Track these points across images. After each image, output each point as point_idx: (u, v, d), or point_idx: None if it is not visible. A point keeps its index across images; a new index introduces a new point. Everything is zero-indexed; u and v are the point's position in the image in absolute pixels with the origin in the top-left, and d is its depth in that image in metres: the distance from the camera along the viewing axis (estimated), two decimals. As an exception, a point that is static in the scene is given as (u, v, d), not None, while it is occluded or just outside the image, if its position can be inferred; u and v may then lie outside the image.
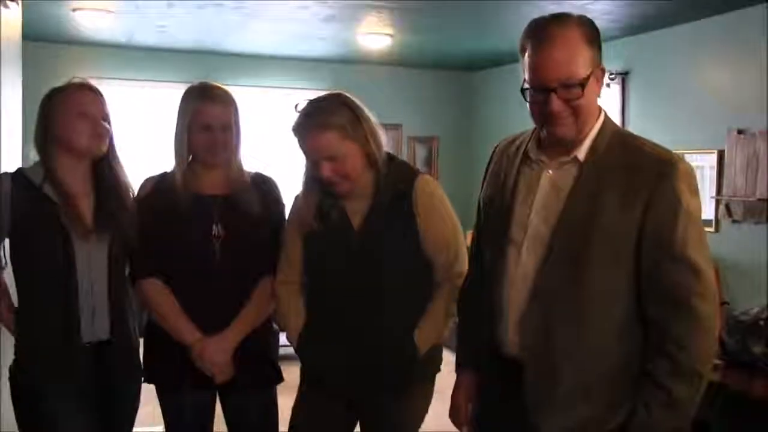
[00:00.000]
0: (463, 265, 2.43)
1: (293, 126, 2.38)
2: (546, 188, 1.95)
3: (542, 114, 1.90)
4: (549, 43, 1.85)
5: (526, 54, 1.89)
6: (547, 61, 1.85)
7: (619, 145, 1.92)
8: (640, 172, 1.85)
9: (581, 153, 1.92)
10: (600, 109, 1.96)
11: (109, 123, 2.51)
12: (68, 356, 2.42)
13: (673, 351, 1.83)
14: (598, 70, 1.90)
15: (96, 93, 2.51)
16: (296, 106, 2.40)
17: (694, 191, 1.87)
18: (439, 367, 2.56)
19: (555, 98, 1.85)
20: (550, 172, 1.96)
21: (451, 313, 2.45)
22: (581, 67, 1.85)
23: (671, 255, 1.82)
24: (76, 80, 2.55)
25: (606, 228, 1.85)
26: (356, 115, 2.36)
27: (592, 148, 1.91)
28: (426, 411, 2.55)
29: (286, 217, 2.62)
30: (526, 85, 1.90)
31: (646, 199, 1.82)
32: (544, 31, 1.87)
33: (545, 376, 1.92)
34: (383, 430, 2.53)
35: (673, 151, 1.90)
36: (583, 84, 1.84)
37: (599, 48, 1.91)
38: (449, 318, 2.47)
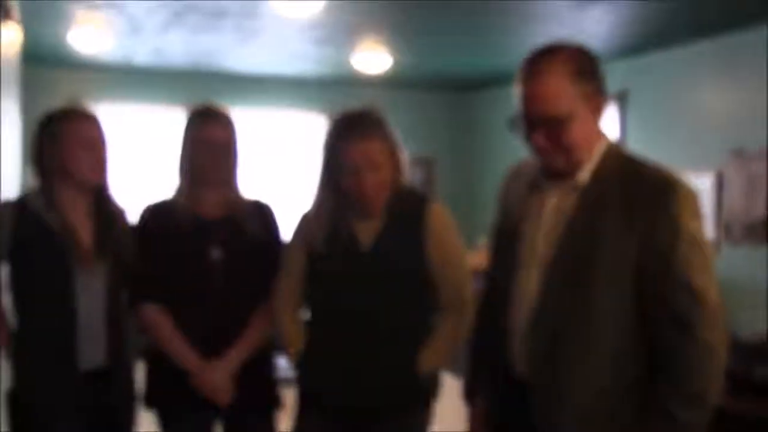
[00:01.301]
0: (469, 291, 2.43)
1: (333, 134, 2.36)
2: (550, 213, 1.95)
3: (532, 148, 1.92)
4: (533, 79, 1.86)
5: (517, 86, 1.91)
6: (530, 97, 1.87)
7: (621, 169, 1.90)
8: (640, 197, 1.83)
9: (582, 178, 1.91)
10: (602, 133, 1.95)
11: (107, 152, 2.52)
12: (66, 384, 2.42)
13: (678, 379, 1.81)
14: (593, 102, 1.89)
15: (96, 122, 2.52)
16: (330, 117, 2.40)
17: (696, 215, 1.84)
18: (439, 392, 2.53)
19: (537, 134, 1.87)
20: (554, 198, 1.95)
21: (457, 339, 2.44)
22: (564, 103, 1.84)
23: (673, 281, 1.80)
24: (73, 106, 2.56)
25: (607, 253, 1.83)
26: (392, 132, 2.39)
27: (595, 173, 1.91)
28: None
29: (288, 238, 2.59)
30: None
31: (646, 223, 1.81)
32: (530, 65, 1.88)
33: (550, 398, 1.90)
34: None
35: (675, 174, 1.88)
36: (562, 121, 1.84)
37: (596, 79, 1.89)
38: (454, 344, 2.45)
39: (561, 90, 1.84)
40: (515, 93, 1.91)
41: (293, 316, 2.52)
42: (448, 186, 8.55)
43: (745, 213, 5.25)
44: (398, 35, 5.93)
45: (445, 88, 8.42)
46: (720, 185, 5.46)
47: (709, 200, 5.53)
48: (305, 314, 2.54)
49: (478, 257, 6.65)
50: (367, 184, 2.30)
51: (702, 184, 5.54)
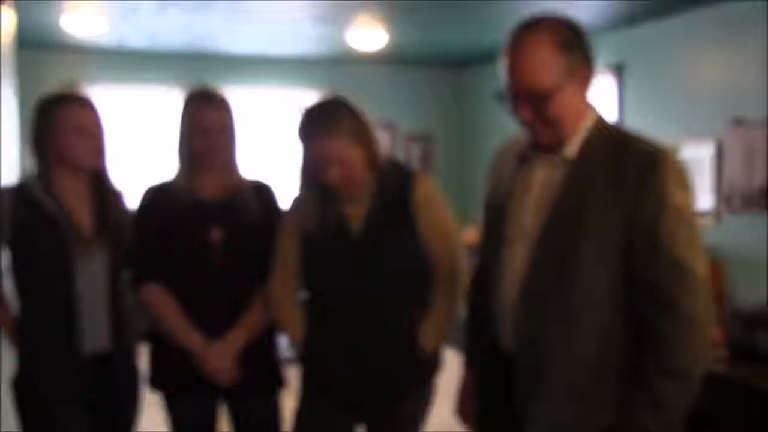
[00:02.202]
0: (463, 264, 2.44)
1: (299, 131, 2.36)
2: (538, 187, 1.95)
3: (518, 119, 1.91)
4: (517, 52, 1.85)
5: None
6: (515, 70, 1.85)
7: (609, 142, 1.89)
8: (627, 169, 1.82)
9: (571, 152, 1.90)
10: (590, 107, 1.94)
11: (104, 137, 2.53)
12: (70, 366, 2.45)
13: (662, 351, 1.81)
14: (579, 74, 1.87)
15: (91, 106, 2.52)
16: (300, 109, 2.39)
17: (684, 186, 1.83)
18: (440, 367, 2.54)
19: (521, 106, 1.87)
20: (542, 171, 1.95)
21: (454, 313, 2.45)
22: (548, 76, 1.82)
23: (659, 254, 1.79)
24: (68, 91, 2.57)
25: (593, 226, 1.83)
26: (360, 120, 2.35)
27: (582, 147, 1.89)
28: (429, 411, 2.54)
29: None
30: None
31: (632, 196, 1.80)
32: (513, 38, 1.87)
33: (534, 372, 1.91)
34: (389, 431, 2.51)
35: (664, 146, 1.87)
36: (547, 94, 1.83)
37: (581, 51, 1.87)
38: (452, 318, 2.47)
39: (545, 63, 1.83)
40: (501, 66, 1.90)
41: (291, 299, 2.53)
42: (445, 162, 8.55)
43: (745, 182, 5.24)
44: (394, 12, 5.89)
45: (441, 65, 8.39)
46: (720, 155, 5.45)
47: (709, 170, 5.52)
48: (303, 295, 2.55)
49: (474, 232, 6.67)
50: (333, 178, 2.32)
51: (702, 153, 5.53)
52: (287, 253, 2.50)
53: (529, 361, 1.92)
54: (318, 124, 2.33)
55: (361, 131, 2.35)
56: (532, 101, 1.85)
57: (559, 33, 1.85)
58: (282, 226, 2.54)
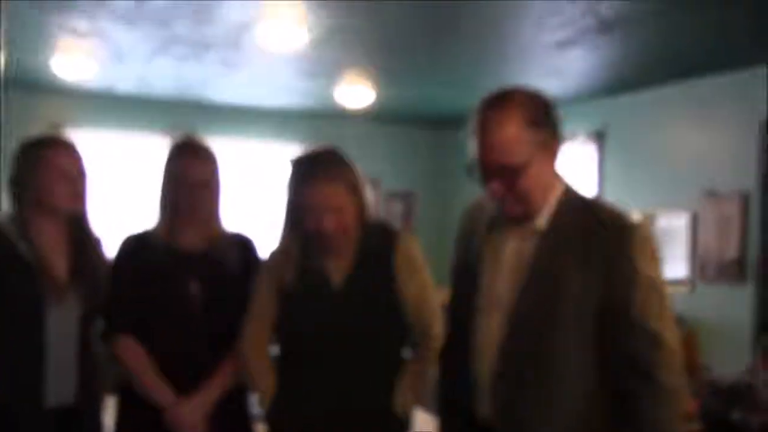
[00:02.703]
0: (439, 326, 2.41)
1: (294, 177, 2.33)
2: (510, 257, 1.96)
3: (489, 193, 1.93)
4: (484, 129, 1.87)
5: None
6: (485, 146, 1.87)
7: (579, 213, 1.91)
8: (597, 241, 1.84)
9: (540, 223, 1.92)
10: (557, 176, 1.96)
11: (85, 182, 2.49)
12: (33, 419, 2.35)
13: (639, 423, 1.82)
14: (548, 147, 1.89)
15: (74, 150, 2.48)
16: (291, 159, 2.38)
17: (653, 257, 1.86)
18: (411, 429, 2.50)
19: (491, 181, 1.88)
20: (513, 242, 1.96)
21: (428, 374, 2.42)
22: (518, 153, 1.85)
23: (632, 326, 1.81)
24: (51, 134, 2.53)
25: (568, 298, 1.84)
26: (355, 172, 2.36)
27: (552, 218, 1.91)
28: None
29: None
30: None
31: (603, 268, 1.82)
32: (482, 114, 1.89)
33: None
34: None
35: (633, 217, 1.90)
36: (517, 170, 1.85)
37: (550, 124, 1.90)
38: (426, 379, 2.44)
39: (515, 139, 1.84)
40: (469, 141, 1.91)
41: (262, 355, 2.47)
42: (426, 220, 8.57)
43: (719, 253, 5.31)
44: (381, 71, 5.98)
45: (426, 124, 8.48)
46: (694, 225, 5.53)
47: (684, 240, 5.59)
48: (274, 352, 2.50)
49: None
50: (329, 227, 2.28)
51: (677, 223, 5.61)
52: (263, 306, 2.44)
53: (510, 429, 1.91)
54: (319, 170, 2.30)
55: (356, 184, 2.34)
56: (502, 176, 1.86)
57: (528, 108, 1.87)
58: (259, 276, 2.48)
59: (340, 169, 2.32)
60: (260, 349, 2.46)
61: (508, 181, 1.86)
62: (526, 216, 1.92)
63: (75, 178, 2.44)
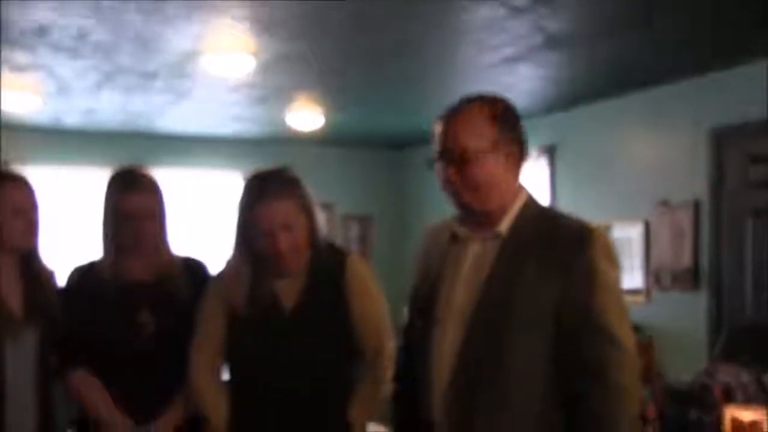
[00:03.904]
0: (390, 344, 2.43)
1: (245, 196, 2.33)
2: (470, 264, 1.98)
3: (443, 184, 1.98)
4: (448, 118, 1.96)
5: None
6: (444, 133, 1.95)
7: (540, 220, 1.95)
8: (557, 245, 1.87)
9: (503, 227, 1.95)
10: (521, 187, 2.00)
11: (38, 216, 2.48)
12: None
13: (591, 423, 1.82)
14: (509, 149, 1.94)
15: (27, 186, 2.48)
16: (244, 176, 2.38)
17: (612, 262, 1.88)
18: None
19: (446, 166, 1.93)
20: (474, 246, 1.98)
21: (381, 392, 2.43)
22: (475, 140, 1.90)
23: (589, 327, 1.82)
24: (2, 170, 2.51)
25: (524, 302, 1.85)
26: (306, 191, 2.36)
27: (513, 224, 1.94)
28: None
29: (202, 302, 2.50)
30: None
31: (563, 271, 1.84)
32: (449, 108, 1.97)
33: None
34: None
35: (591, 224, 1.93)
36: (471, 155, 1.89)
37: (513, 129, 1.95)
38: (380, 396, 2.44)
39: (475, 127, 1.91)
40: (435, 131, 1.98)
41: (212, 381, 2.43)
42: (383, 242, 8.58)
43: (673, 261, 5.39)
44: (330, 94, 5.99)
45: (380, 146, 8.51)
46: (648, 235, 5.60)
47: (638, 249, 5.66)
48: (224, 377, 2.48)
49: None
50: (281, 246, 2.27)
51: (631, 234, 5.68)
52: (210, 331, 2.41)
53: None
54: (271, 188, 2.29)
55: (306, 202, 2.35)
56: (457, 163, 1.91)
57: (494, 107, 1.95)
58: (206, 298, 2.45)
59: (291, 187, 2.33)
60: (210, 374, 2.43)
61: (461, 167, 1.91)
62: (486, 219, 1.95)
63: (28, 213, 2.43)
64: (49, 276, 2.55)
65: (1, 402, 2.33)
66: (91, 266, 2.59)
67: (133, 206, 2.49)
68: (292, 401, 2.33)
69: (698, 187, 5.24)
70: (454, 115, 1.95)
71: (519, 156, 1.97)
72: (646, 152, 5.72)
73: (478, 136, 1.90)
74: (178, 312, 2.51)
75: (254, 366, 2.37)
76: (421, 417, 2.02)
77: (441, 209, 2.06)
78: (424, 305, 2.06)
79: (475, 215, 1.98)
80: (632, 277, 5.58)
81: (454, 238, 2.04)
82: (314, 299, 2.36)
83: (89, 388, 2.50)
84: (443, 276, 2.02)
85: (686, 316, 5.27)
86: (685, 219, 5.27)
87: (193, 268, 2.63)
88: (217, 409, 2.40)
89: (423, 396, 2.01)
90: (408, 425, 2.15)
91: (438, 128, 1.97)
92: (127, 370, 2.48)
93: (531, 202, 1.99)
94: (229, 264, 2.41)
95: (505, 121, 1.94)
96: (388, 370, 2.40)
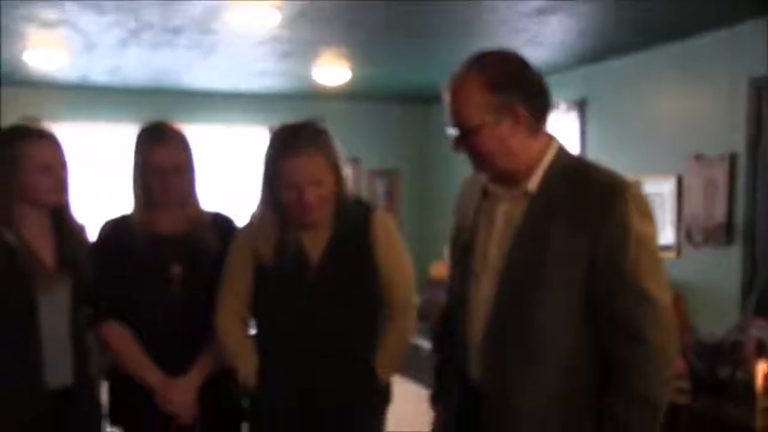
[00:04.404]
0: (413, 294, 2.49)
1: (273, 148, 2.33)
2: (501, 221, 1.97)
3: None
4: (447, 93, 1.94)
5: None
6: (447, 110, 1.93)
7: (570, 174, 1.91)
8: (588, 201, 1.84)
9: (531, 185, 1.92)
10: (550, 140, 1.96)
11: (67, 172, 2.49)
12: (32, 403, 2.38)
13: (627, 380, 1.82)
14: (513, 112, 1.87)
15: (54, 142, 2.49)
16: (271, 129, 2.38)
17: (645, 216, 1.84)
18: (391, 398, 2.55)
19: (454, 142, 1.93)
20: (504, 205, 1.97)
21: (407, 343, 2.50)
22: (473, 113, 1.87)
23: (622, 283, 1.80)
24: (32, 125, 2.52)
25: (555, 259, 1.84)
26: (335, 146, 2.36)
27: (543, 180, 1.92)
28: None
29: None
30: None
31: (594, 227, 1.81)
32: (448, 81, 1.95)
33: (502, 408, 1.91)
34: None
35: (624, 176, 1.89)
36: (471, 131, 1.87)
37: (514, 88, 1.88)
38: (406, 348, 2.50)
39: (472, 99, 1.88)
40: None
41: (238, 332, 2.47)
42: (410, 197, 8.58)
43: (706, 217, 5.31)
44: (356, 48, 5.93)
45: (406, 100, 8.45)
46: (680, 190, 5.52)
47: (670, 205, 5.59)
48: (251, 329, 2.51)
49: (441, 267, 6.64)
50: (307, 199, 2.28)
51: (663, 189, 5.60)
52: (237, 280, 2.44)
53: (498, 397, 1.92)
54: (300, 142, 2.29)
55: (335, 157, 2.35)
56: (463, 138, 1.91)
57: (491, 73, 1.88)
58: (233, 247, 2.47)
59: (319, 141, 2.32)
60: (238, 325, 2.47)
61: (468, 140, 1.90)
62: (512, 179, 1.94)
63: (57, 170, 2.45)
64: (80, 230, 2.59)
65: (37, 354, 2.38)
66: (122, 220, 2.62)
67: (162, 160, 2.51)
68: (318, 352, 2.36)
69: (735, 140, 5.12)
70: (452, 88, 1.92)
71: (533, 112, 1.90)
72: (680, 105, 5.61)
73: (476, 108, 1.87)
74: (207, 266, 2.53)
75: (281, 317, 2.40)
76: (461, 371, 2.04)
77: (467, 164, 2.03)
78: (461, 257, 2.07)
79: (500, 178, 1.96)
80: (664, 233, 5.52)
81: (485, 193, 2.03)
82: (340, 252, 2.38)
83: (121, 341, 2.55)
84: (478, 229, 2.02)
85: (719, 272, 5.21)
86: (720, 173, 5.18)
87: (221, 223, 2.66)
88: (246, 360, 2.44)
89: (460, 348, 2.03)
90: (448, 377, 2.17)
91: (444, 99, 1.95)
92: (158, 323, 2.53)
93: (562, 155, 1.95)
94: (256, 215, 2.43)
95: (505, 85, 1.88)
96: (413, 321, 2.46)
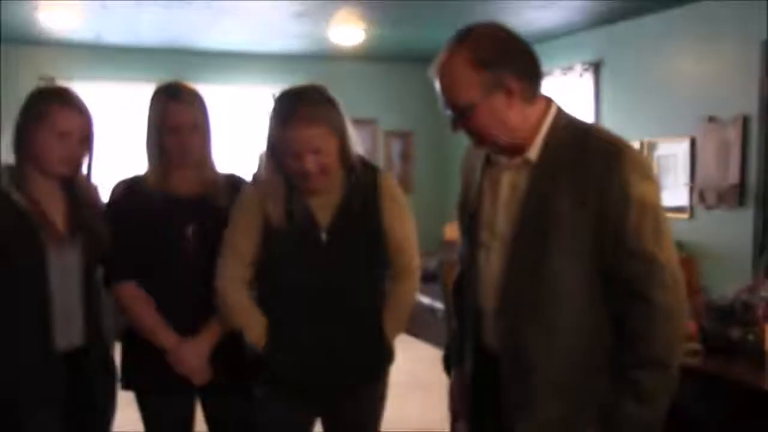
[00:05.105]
0: (417, 256, 2.52)
1: (276, 115, 2.31)
2: (506, 189, 1.97)
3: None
4: (437, 73, 1.92)
5: None
6: (440, 89, 1.92)
7: (570, 140, 1.90)
8: (588, 167, 1.83)
9: (532, 154, 1.91)
10: (547, 105, 1.94)
11: (89, 144, 2.45)
12: (43, 364, 2.37)
13: (637, 344, 1.83)
14: (505, 87, 1.85)
15: (84, 114, 2.43)
16: (274, 95, 2.36)
17: (645, 177, 1.83)
18: (394, 356, 2.57)
19: (451, 123, 1.93)
20: (508, 174, 1.97)
21: (409, 304, 2.54)
22: (463, 94, 1.86)
23: (626, 248, 1.80)
24: (60, 89, 2.47)
25: (563, 227, 1.84)
26: (338, 111, 2.34)
27: (543, 149, 1.91)
28: (385, 400, 2.59)
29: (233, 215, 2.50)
30: None
31: (596, 193, 1.81)
32: (434, 63, 1.93)
33: (517, 374, 1.93)
34: (354, 426, 2.56)
35: (622, 139, 1.88)
36: (463, 110, 1.87)
37: (504, 61, 1.86)
38: (409, 308, 2.54)
39: (460, 80, 1.86)
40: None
41: (244, 296, 2.46)
42: (425, 157, 8.56)
43: (719, 179, 5.30)
44: (372, 8, 5.89)
45: (420, 62, 8.36)
46: (693, 152, 5.51)
47: (683, 167, 5.58)
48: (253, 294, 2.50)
49: (455, 229, 6.67)
50: (308, 166, 2.28)
51: (676, 150, 5.59)
52: (243, 243, 2.42)
53: (513, 362, 1.93)
54: (301, 110, 2.28)
55: (339, 123, 2.33)
56: (458, 117, 1.90)
57: (478, 50, 1.85)
58: (239, 206, 2.45)
59: (321, 108, 2.30)
60: (239, 286, 2.45)
61: (463, 120, 1.90)
62: (513, 149, 1.93)
63: (73, 141, 2.39)
64: (93, 190, 2.56)
65: (47, 316, 2.36)
66: (136, 180, 2.60)
67: (178, 118, 2.49)
68: (328, 311, 2.38)
69: (748, 102, 5.10)
70: (440, 68, 1.90)
71: (525, 83, 1.88)
72: (694, 68, 5.58)
73: (466, 88, 1.85)
74: (221, 226, 2.50)
75: (291, 278, 2.40)
76: (476, 336, 2.06)
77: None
78: (468, 228, 2.08)
79: (501, 151, 1.96)
80: (676, 195, 5.52)
81: (488, 159, 2.03)
82: (349, 215, 2.39)
83: (136, 302, 2.54)
84: (483, 199, 2.02)
85: (731, 234, 5.21)
86: (733, 135, 5.16)
87: (237, 185, 2.61)
88: (253, 322, 2.43)
89: (473, 319, 2.05)
90: (459, 346, 2.19)
91: (434, 82, 1.94)
92: (172, 283, 2.53)
93: (560, 119, 1.93)
94: (263, 178, 2.41)
95: (493, 60, 1.85)
96: (416, 283, 2.50)
